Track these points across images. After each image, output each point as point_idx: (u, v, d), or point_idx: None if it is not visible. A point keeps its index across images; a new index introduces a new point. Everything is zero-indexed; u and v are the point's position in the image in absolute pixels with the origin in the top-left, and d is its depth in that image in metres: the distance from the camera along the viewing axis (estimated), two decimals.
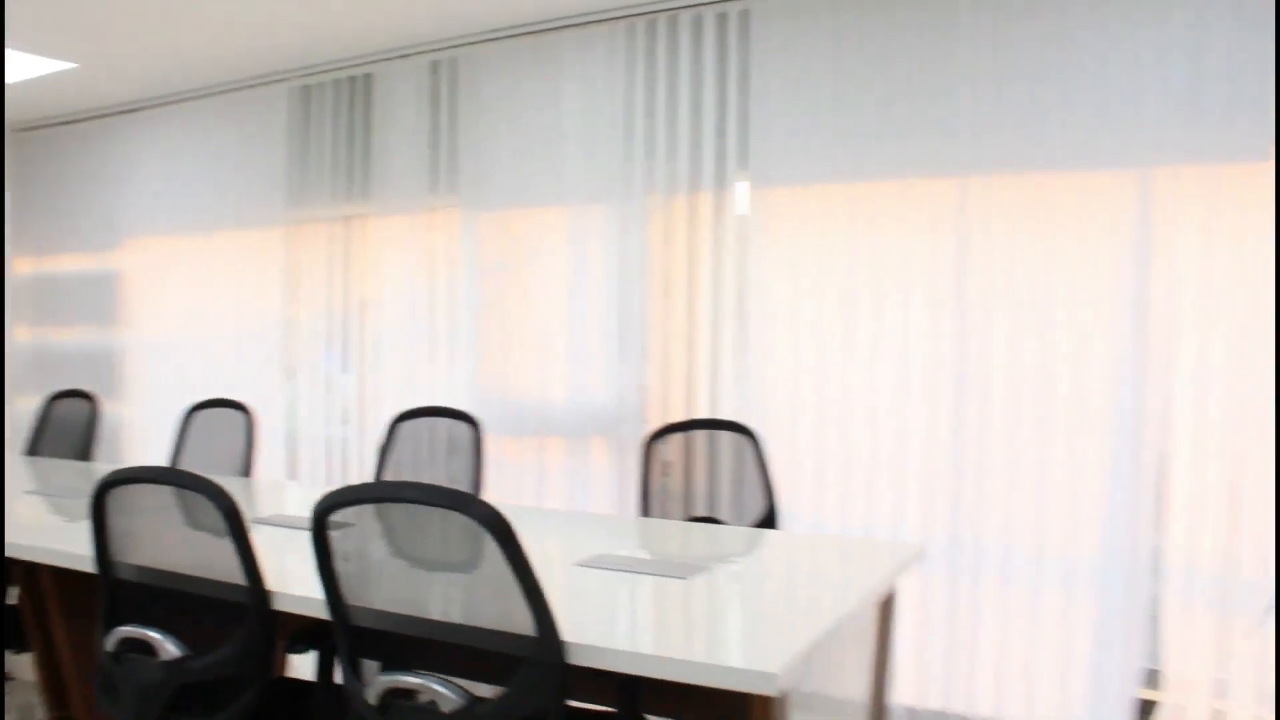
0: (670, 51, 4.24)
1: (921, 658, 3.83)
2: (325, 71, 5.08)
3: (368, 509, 1.94)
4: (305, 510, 2.09)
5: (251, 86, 5.37)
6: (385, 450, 3.93)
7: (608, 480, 4.41)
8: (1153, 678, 3.65)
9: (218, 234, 5.65)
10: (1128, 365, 3.60)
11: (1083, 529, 3.69)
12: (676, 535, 3.23)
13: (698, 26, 4.19)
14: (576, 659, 1.89)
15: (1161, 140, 3.51)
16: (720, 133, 4.19)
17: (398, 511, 1.93)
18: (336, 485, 2.13)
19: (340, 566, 1.98)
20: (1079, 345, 3.67)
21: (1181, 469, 3.59)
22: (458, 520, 1.82)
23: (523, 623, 1.85)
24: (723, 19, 4.15)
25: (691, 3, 4.16)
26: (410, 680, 1.92)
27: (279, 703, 2.54)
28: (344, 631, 2.02)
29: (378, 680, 1.96)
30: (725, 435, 3.75)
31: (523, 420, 4.56)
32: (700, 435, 3.80)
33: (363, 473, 5.07)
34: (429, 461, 3.94)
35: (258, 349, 5.50)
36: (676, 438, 3.74)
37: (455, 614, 1.94)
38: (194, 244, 5.76)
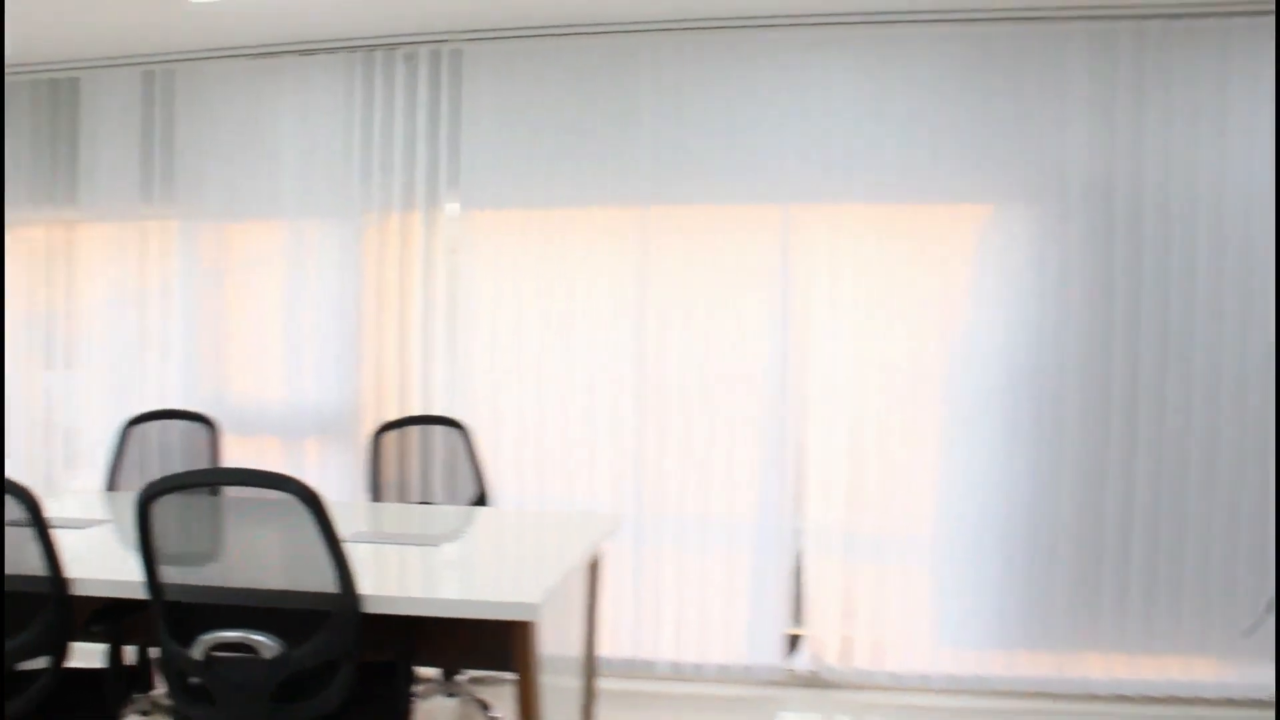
0: (387, 81, 4.65)
1: (612, 614, 4.47)
2: (24, 73, 5.04)
3: (179, 493, 2.29)
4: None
5: None
6: (119, 453, 4.07)
7: (332, 474, 4.72)
8: (798, 617, 4.49)
9: None
10: (774, 369, 4.42)
11: (741, 503, 4.48)
12: (413, 515, 3.70)
13: (413, 60, 4.63)
14: (374, 608, 2.34)
15: (799, 182, 4.35)
16: (433, 158, 4.64)
17: (214, 492, 2.30)
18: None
19: (161, 546, 2.31)
20: (736, 351, 4.45)
21: (816, 455, 4.47)
22: (275, 497, 2.22)
23: (328, 581, 2.27)
24: (436, 55, 4.61)
25: (408, 40, 4.59)
26: (232, 635, 2.29)
27: (69, 689, 2.76)
28: (164, 607, 2.34)
29: (201, 640, 2.31)
30: (440, 429, 4.25)
31: (244, 422, 4.79)
32: (419, 430, 4.27)
33: (76, 473, 5.08)
34: (161, 463, 4.13)
35: None
36: (399, 433, 4.19)
37: (270, 579, 2.32)
38: None
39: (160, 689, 3.33)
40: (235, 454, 4.54)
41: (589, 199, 4.54)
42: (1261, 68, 4.14)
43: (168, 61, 4.83)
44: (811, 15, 4.29)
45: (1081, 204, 4.25)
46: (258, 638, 2.27)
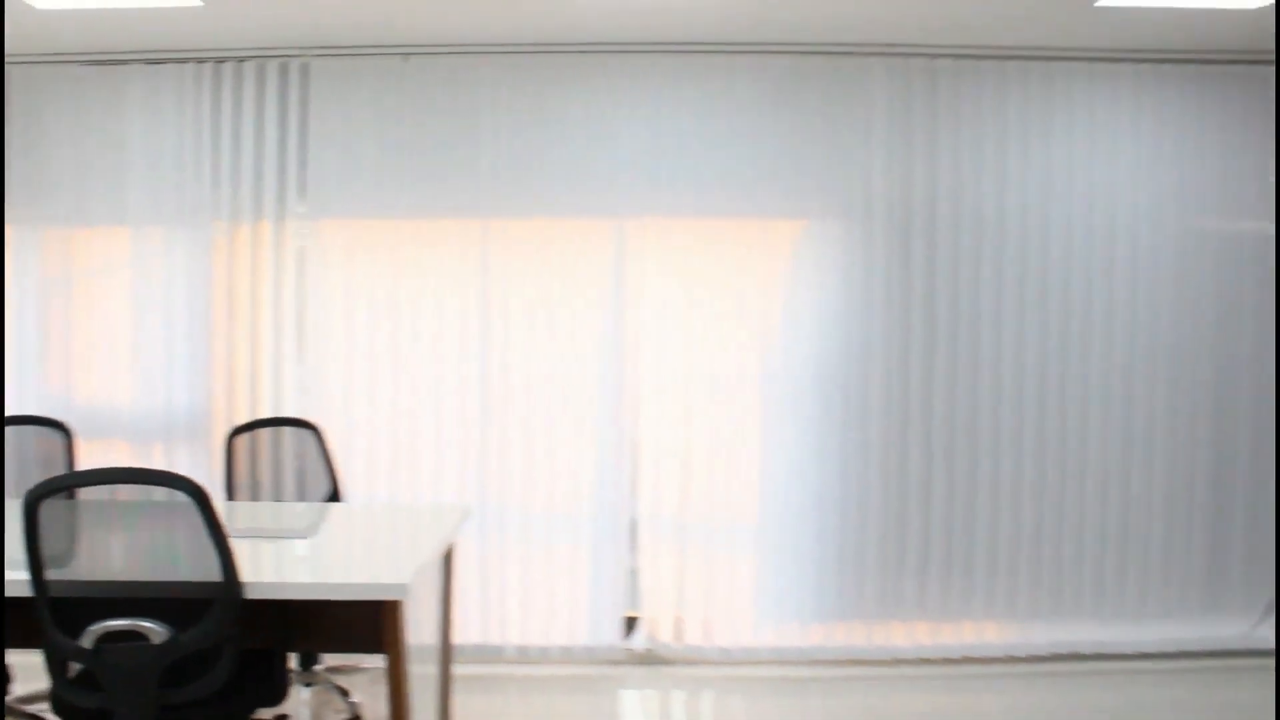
0: (236, 93, 4.76)
1: (462, 602, 4.72)
2: None
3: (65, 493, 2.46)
4: None
5: None
6: None
7: None
8: (635, 600, 4.85)
9: None
10: (610, 370, 4.77)
11: (582, 494, 4.80)
12: (270, 512, 3.88)
13: (261, 73, 4.76)
14: (256, 594, 2.56)
15: (632, 197, 4.71)
16: (281, 168, 4.79)
17: (104, 491, 2.48)
18: None
19: (47, 545, 2.47)
20: (574, 355, 4.78)
21: (649, 450, 4.84)
22: (163, 493, 2.42)
23: (213, 571, 2.48)
24: (284, 68, 4.76)
25: (256, 53, 4.73)
26: (122, 623, 2.47)
27: None
28: (51, 602, 2.49)
29: (90, 630, 2.48)
30: (291, 430, 4.42)
31: (94, 426, 4.83)
32: (271, 431, 4.43)
33: None
34: (19, 471, 4.15)
35: None
36: (251, 435, 4.34)
37: (156, 572, 2.52)
38: None
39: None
40: (86, 458, 4.59)
41: (434, 210, 4.77)
42: (1030, 103, 4.75)
43: (13, 64, 4.79)
44: (643, 44, 4.64)
45: (884, 219, 4.74)
46: (147, 624, 2.46)
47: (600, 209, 4.74)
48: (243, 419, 4.56)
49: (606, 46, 4.65)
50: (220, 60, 4.76)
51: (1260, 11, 4.11)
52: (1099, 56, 4.75)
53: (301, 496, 4.36)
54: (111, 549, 2.58)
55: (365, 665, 4.38)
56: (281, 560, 3.00)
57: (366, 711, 4.07)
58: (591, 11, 4.20)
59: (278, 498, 4.37)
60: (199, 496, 2.43)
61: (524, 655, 4.79)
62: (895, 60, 4.71)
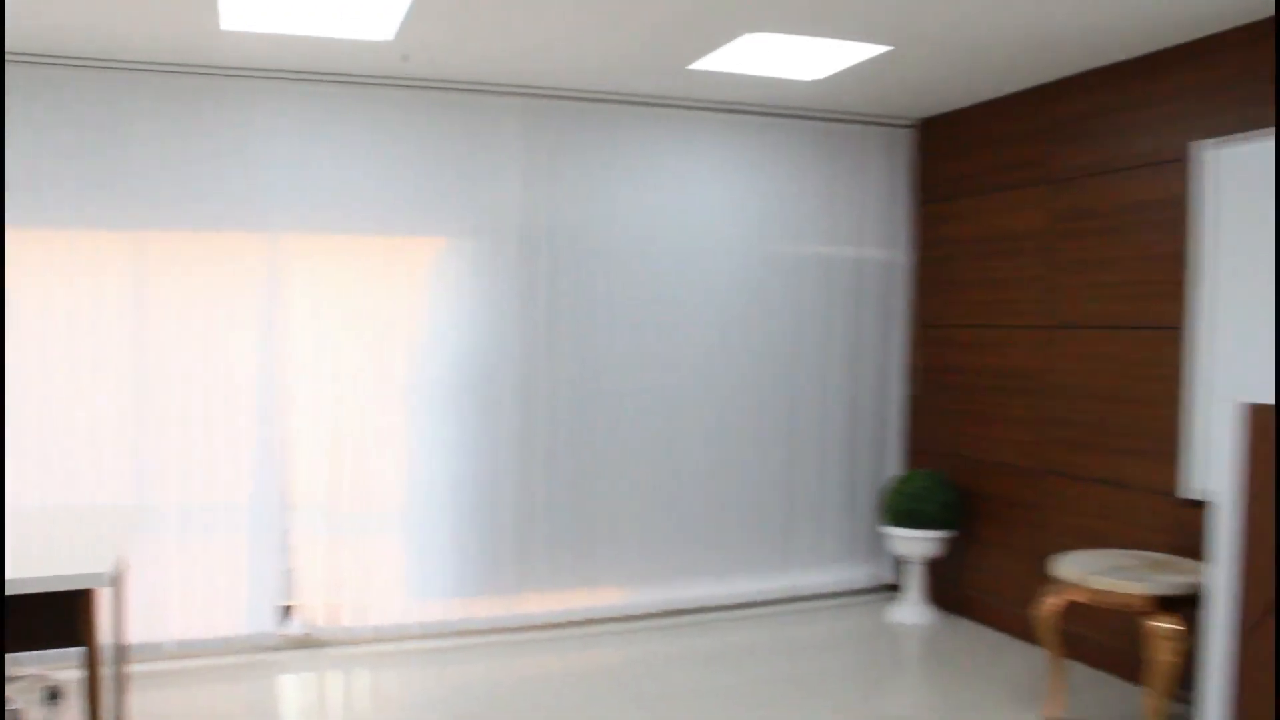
0: None
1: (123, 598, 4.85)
2: None
3: None
4: None
5: None
6: None
7: None
8: (292, 588, 5.19)
9: None
10: (264, 372, 5.06)
11: (238, 490, 5.07)
12: None
13: None
14: None
15: (284, 213, 5.05)
16: None
17: None
18: None
19: None
20: (229, 358, 5.02)
21: (303, 448, 5.19)
22: None
23: None
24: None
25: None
26: None
27: None
28: None
29: None
30: None
31: None
32: None
33: None
34: None
35: None
36: None
37: None
38: None
39: None
40: None
41: (87, 221, 4.79)
42: (639, 142, 5.57)
43: None
44: (294, 71, 4.98)
45: (515, 238, 5.39)
46: None
47: (254, 224, 5.02)
48: None
49: (259, 73, 4.93)
50: None
51: (818, 82, 5.11)
52: (693, 106, 5.65)
53: None
54: None
55: (28, 671, 4.44)
56: None
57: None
58: (243, 41, 4.47)
59: None
60: None
61: (185, 649, 4.97)
62: (528, 100, 5.35)
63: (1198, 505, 4.27)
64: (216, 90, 4.92)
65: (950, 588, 5.86)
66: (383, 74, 5.07)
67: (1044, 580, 4.92)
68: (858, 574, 6.19)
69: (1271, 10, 3.98)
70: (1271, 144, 3.96)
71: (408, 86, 5.18)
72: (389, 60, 4.80)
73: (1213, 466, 4.18)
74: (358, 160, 5.14)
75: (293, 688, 4.80)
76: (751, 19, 4.20)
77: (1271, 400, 3.20)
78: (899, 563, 6.05)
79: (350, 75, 5.07)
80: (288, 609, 5.20)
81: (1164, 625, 3.85)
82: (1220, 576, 3.22)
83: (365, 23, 4.22)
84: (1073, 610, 4.27)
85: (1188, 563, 4.18)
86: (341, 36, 4.41)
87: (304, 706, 4.60)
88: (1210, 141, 4.25)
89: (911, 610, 5.76)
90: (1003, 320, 5.48)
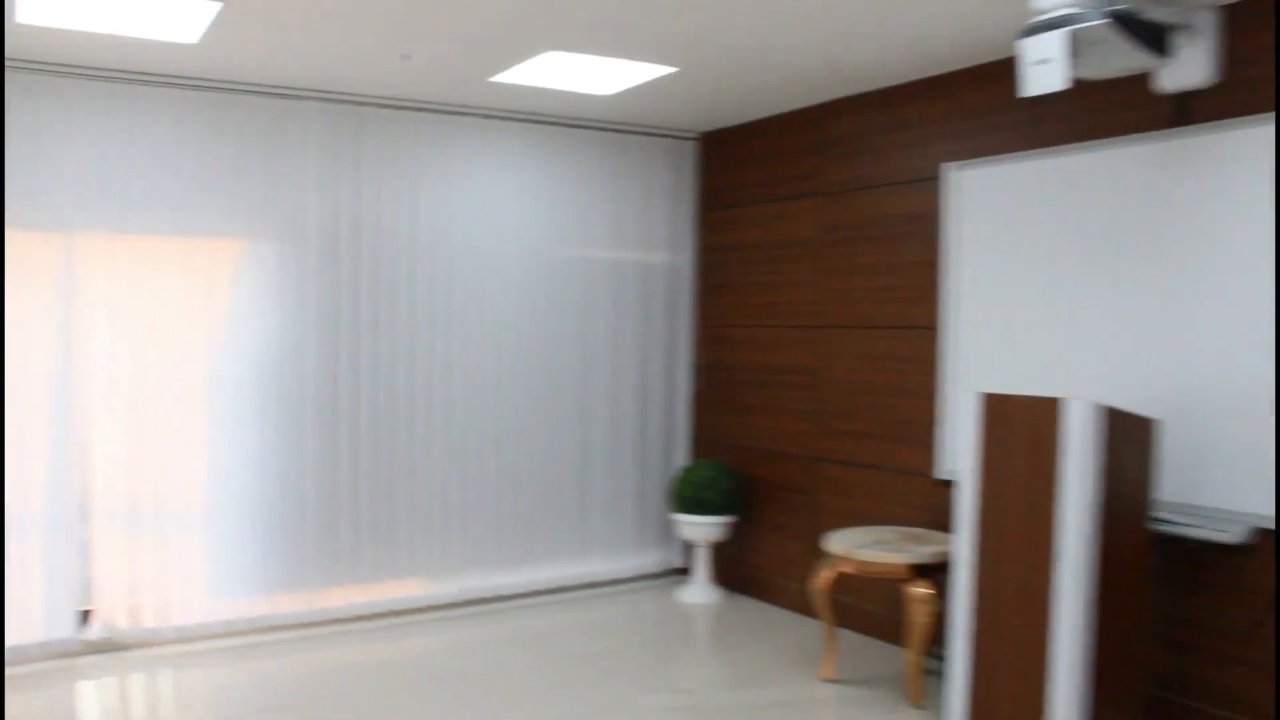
0: None
1: None
2: None
3: None
4: None
5: None
6: None
7: None
8: (90, 592, 5.12)
9: None
10: (59, 375, 4.98)
11: (32, 491, 4.95)
12: None
13: None
14: None
15: (80, 213, 4.98)
16: None
17: None
18: None
19: None
20: (23, 360, 4.90)
21: (101, 450, 5.12)
22: None
23: None
24: None
25: None
26: None
27: None
28: None
29: None
30: None
31: None
32: None
33: None
34: None
35: None
36: None
37: None
38: None
39: None
40: None
41: None
42: (439, 148, 5.76)
43: None
44: (84, 68, 4.92)
45: (315, 240, 5.48)
46: None
47: (50, 224, 4.92)
48: None
49: (54, 68, 4.85)
50: None
51: (610, 97, 5.44)
52: (493, 115, 5.89)
53: None
54: None
55: None
56: None
57: None
58: (41, 36, 4.42)
59: None
60: None
61: None
62: (328, 105, 5.46)
63: (948, 484, 4.84)
64: (11, 85, 4.81)
65: (734, 569, 6.32)
66: (186, 75, 5.07)
67: (818, 558, 5.43)
68: (650, 559, 6.58)
69: (997, 55, 4.58)
70: (1006, 168, 4.57)
71: (211, 89, 5.20)
72: (192, 61, 4.83)
73: (959, 450, 4.77)
74: (158, 161, 5.12)
75: (93, 692, 4.73)
76: (553, 39, 4.48)
77: (1004, 390, 3.72)
78: (687, 547, 6.49)
79: (152, 75, 5.04)
80: (87, 613, 5.13)
81: (919, 590, 4.38)
82: (963, 545, 3.72)
83: (170, 24, 4.26)
84: (842, 582, 4.78)
85: (940, 535, 4.75)
86: (145, 37, 4.42)
87: (104, 710, 4.56)
88: (954, 164, 4.84)
89: (699, 591, 6.19)
90: (777, 320, 5.98)
